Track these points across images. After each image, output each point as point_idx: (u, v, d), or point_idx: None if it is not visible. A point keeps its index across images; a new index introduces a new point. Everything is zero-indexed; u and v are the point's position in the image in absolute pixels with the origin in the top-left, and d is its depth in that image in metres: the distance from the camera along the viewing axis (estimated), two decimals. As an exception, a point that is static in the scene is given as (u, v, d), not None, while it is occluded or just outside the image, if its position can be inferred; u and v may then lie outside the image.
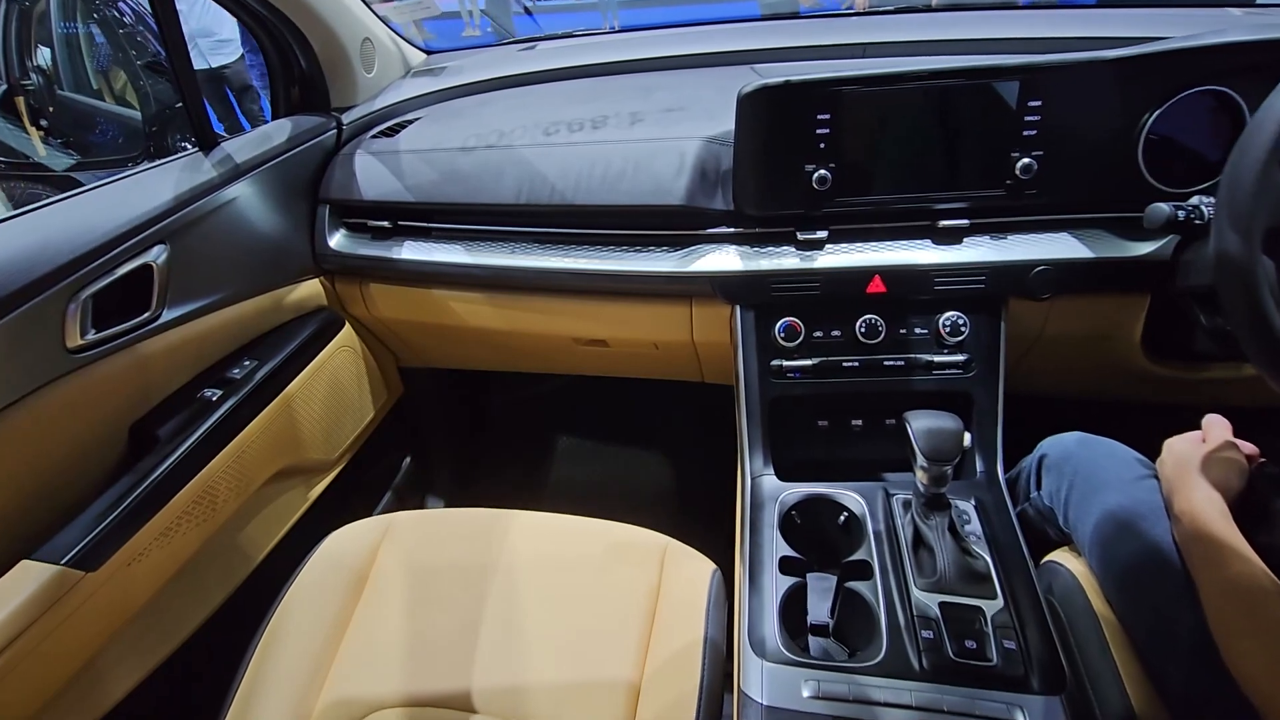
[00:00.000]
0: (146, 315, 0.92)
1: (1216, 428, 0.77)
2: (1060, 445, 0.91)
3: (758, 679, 0.72)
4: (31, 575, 0.75)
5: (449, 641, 0.84)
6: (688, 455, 1.69)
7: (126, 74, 1.87)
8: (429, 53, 1.57)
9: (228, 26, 3.56)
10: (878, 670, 0.70)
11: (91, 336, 0.85)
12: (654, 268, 1.02)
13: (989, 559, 0.79)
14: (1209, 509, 0.67)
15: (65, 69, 1.85)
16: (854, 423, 1.01)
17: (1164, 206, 0.80)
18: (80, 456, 0.88)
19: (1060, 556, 0.87)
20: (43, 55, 1.82)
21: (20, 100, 1.72)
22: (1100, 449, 0.87)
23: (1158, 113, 0.85)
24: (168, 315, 0.95)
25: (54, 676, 0.79)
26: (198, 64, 3.55)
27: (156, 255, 0.92)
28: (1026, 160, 0.88)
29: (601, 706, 0.76)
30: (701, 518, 1.11)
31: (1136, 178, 0.88)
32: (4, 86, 1.77)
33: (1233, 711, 0.59)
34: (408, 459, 1.62)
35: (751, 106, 0.90)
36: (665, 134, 1.04)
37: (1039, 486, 0.92)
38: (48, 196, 0.88)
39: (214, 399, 1.00)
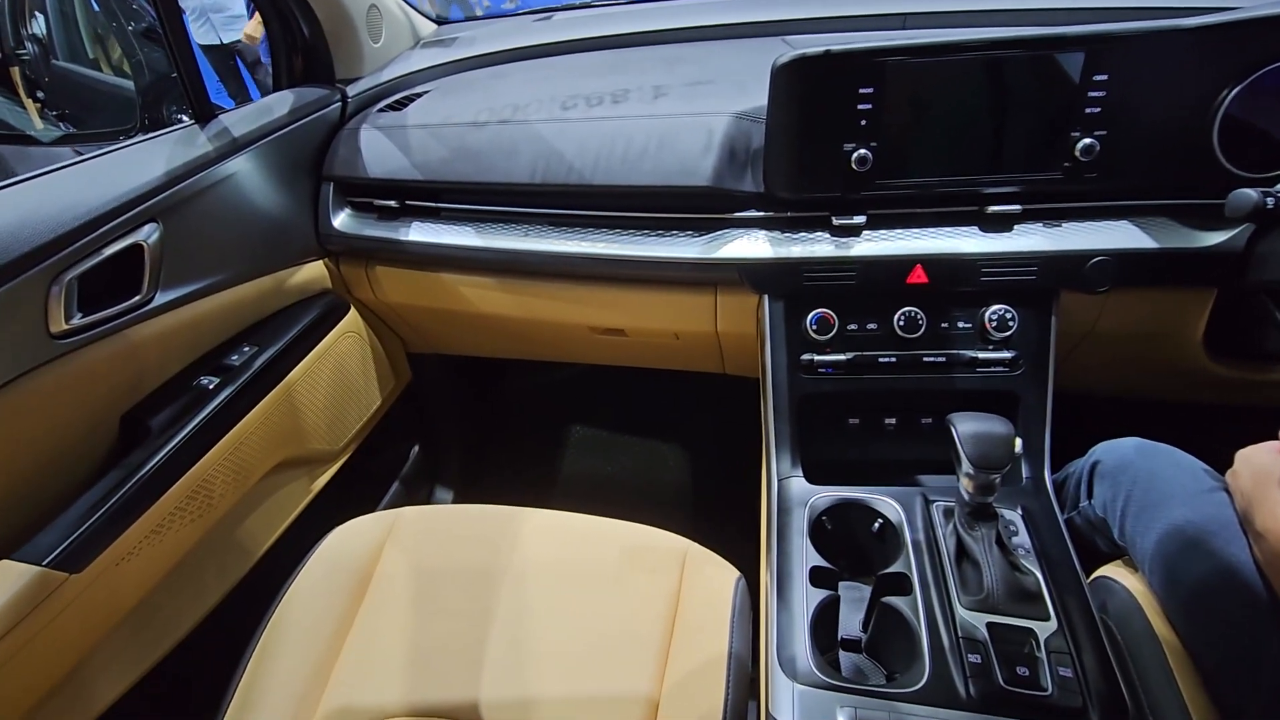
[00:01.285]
0: (137, 299, 0.88)
1: (1298, 438, 0.70)
2: (1116, 452, 0.84)
3: (788, 703, 0.67)
4: (11, 577, 0.72)
5: (455, 649, 0.81)
6: (709, 450, 1.65)
7: (119, 42, 1.81)
8: (440, 22, 1.53)
9: (240, 0, 3.50)
10: (920, 698, 0.65)
11: (77, 321, 0.81)
12: (677, 253, 0.97)
13: (1039, 575, 0.74)
14: None
15: (60, 37, 1.80)
16: (888, 421, 0.96)
17: (1250, 193, 0.73)
18: (66, 449, 0.85)
19: (1114, 572, 0.81)
20: (38, 23, 1.77)
21: (15, 71, 1.67)
22: (1162, 458, 0.80)
23: (1238, 88, 0.78)
24: (160, 299, 0.91)
25: (37, 682, 0.77)
26: (210, 39, 3.52)
27: (148, 234, 0.88)
28: (1088, 141, 0.82)
29: None
30: (723, 517, 1.07)
31: (1208, 161, 0.82)
32: (-1, 56, 1.73)
33: None
34: (416, 448, 1.59)
35: (787, 79, 0.84)
36: (691, 109, 0.98)
37: (1090, 495, 0.86)
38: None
39: (210, 387, 0.96)
